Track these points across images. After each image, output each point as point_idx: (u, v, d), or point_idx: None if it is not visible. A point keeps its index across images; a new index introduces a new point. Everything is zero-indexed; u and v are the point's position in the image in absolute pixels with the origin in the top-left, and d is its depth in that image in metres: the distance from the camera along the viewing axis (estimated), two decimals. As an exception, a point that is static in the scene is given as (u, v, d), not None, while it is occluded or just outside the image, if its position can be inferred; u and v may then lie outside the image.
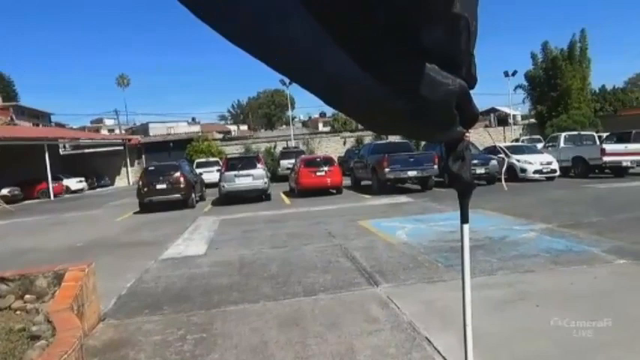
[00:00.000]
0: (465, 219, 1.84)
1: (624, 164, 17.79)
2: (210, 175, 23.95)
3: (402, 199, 14.99)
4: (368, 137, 37.66)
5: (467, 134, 1.62)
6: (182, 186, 16.29)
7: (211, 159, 29.57)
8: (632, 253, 6.45)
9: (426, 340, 4.08)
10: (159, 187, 16.22)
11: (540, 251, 6.93)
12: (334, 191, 17.98)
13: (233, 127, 76.16)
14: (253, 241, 9.38)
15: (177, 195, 16.21)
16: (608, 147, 18.15)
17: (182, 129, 53.20)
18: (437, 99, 1.33)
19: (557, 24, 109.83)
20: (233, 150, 34.41)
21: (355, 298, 5.41)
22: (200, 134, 40.40)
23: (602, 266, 6.01)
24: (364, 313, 4.85)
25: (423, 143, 25.43)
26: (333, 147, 37.09)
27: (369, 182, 18.32)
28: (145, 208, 16.24)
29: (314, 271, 6.64)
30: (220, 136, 47.39)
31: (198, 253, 8.62)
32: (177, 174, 16.49)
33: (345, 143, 38.14)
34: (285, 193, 19.50)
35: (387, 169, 16.34)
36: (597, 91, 50.49)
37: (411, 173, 16.54)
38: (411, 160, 16.80)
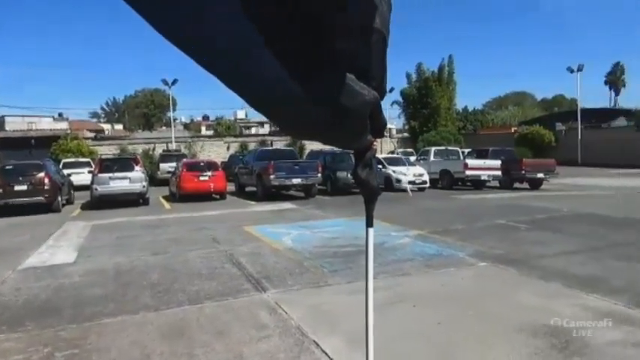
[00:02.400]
0: (370, 223, 1.93)
1: (483, 178, 19.94)
2: (80, 177, 21.97)
3: (287, 205, 15.17)
4: (252, 143, 37.57)
5: (375, 143, 1.71)
6: (46, 188, 14.68)
7: (81, 159, 27.10)
8: (490, 256, 7.25)
9: (314, 343, 4.17)
10: (18, 188, 14.45)
11: (415, 255, 7.49)
12: (218, 197, 17.60)
13: (107, 126, 70.75)
14: (131, 247, 8.80)
15: (40, 197, 14.58)
16: (470, 162, 20.22)
17: (46, 125, 47.98)
18: (355, 108, 1.39)
19: (431, 47, 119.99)
20: (106, 150, 31.97)
21: (243, 304, 5.34)
22: (69, 132, 36.87)
23: (467, 269, 6.68)
24: (252, 320, 4.81)
25: (307, 152, 26.06)
26: (217, 151, 36.32)
27: (254, 188, 18.26)
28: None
29: (199, 279, 6.42)
30: (92, 134, 43.78)
31: (66, 261, 7.85)
32: (41, 174, 14.85)
33: (228, 148, 37.58)
34: (164, 197, 18.61)
35: (272, 176, 16.43)
36: (461, 111, 56.02)
37: (296, 181, 16.82)
38: (296, 167, 17.09)
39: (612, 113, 50.95)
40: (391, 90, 45.71)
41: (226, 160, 29.60)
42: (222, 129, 53.33)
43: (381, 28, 1.35)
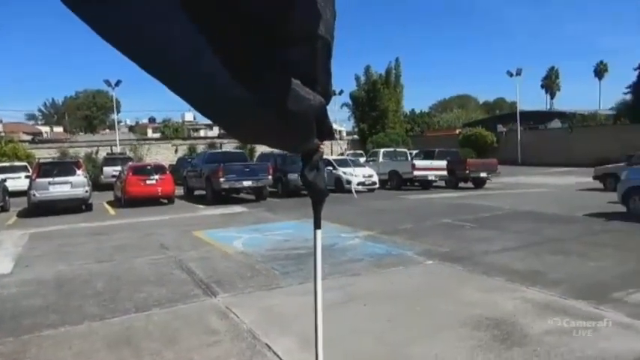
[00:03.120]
0: (317, 225, 1.97)
1: (430, 178, 20.53)
2: (17, 183, 20.75)
3: (237, 209, 15.01)
4: (201, 146, 36.91)
5: (321, 146, 1.75)
6: (-23, 194, 13.82)
7: (17, 163, 25.63)
8: (437, 254, 7.49)
9: (266, 346, 4.17)
10: (-56, 195, 13.52)
11: (365, 256, 7.62)
12: (166, 201, 17.16)
13: (45, 129, 67.35)
14: (73, 255, 8.43)
15: (-29, 205, 13.71)
16: (418, 163, 20.78)
17: (-23, 127, 45.22)
18: (300, 112, 1.42)
19: (379, 49, 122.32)
20: (45, 154, 30.37)
21: (193, 310, 5.25)
22: (3, 134, 34.82)
23: (415, 267, 6.87)
24: (203, 325, 4.75)
25: (257, 154, 25.89)
26: (164, 155, 35.39)
27: (203, 192, 17.95)
28: None
29: (146, 286, 6.25)
30: (29, 137, 41.54)
31: (1, 272, 7.42)
32: (-28, 180, 13.96)
33: (176, 151, 36.74)
34: (109, 203, 17.94)
35: (222, 179, 16.20)
36: (408, 113, 57.45)
37: (246, 183, 16.68)
38: (247, 170, 16.94)
39: (548, 115, 53.87)
40: (340, 92, 46.37)
41: (174, 163, 28.93)
42: (170, 131, 51.98)
43: (325, 35, 1.39)
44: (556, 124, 47.08)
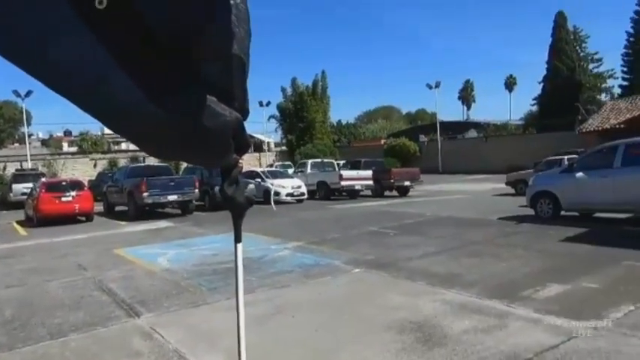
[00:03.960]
0: (238, 238, 1.98)
1: (357, 188, 21.04)
2: None
3: (162, 224, 14.51)
4: (123, 160, 35.33)
5: (240, 161, 1.78)
6: None
7: None
8: (364, 262, 7.69)
9: (193, 364, 4.07)
10: None
11: (294, 267, 7.66)
12: (84, 219, 16.23)
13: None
14: (-23, 281, 7.73)
15: None
16: (345, 173, 21.24)
17: None
18: (217, 129, 1.44)
19: (305, 62, 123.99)
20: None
21: (114, 333, 5.01)
22: None
23: (343, 276, 7.01)
24: (125, 348, 4.54)
25: (183, 167, 25.20)
26: (82, 170, 33.49)
27: (126, 208, 17.17)
28: None
29: (62, 310, 5.87)
30: None
31: None
32: None
33: (95, 166, 34.92)
34: (19, 222, 16.67)
35: (145, 194, 15.61)
36: (335, 124, 58.54)
37: (172, 197, 16.18)
38: (171, 184, 16.45)
39: (465, 125, 57.19)
40: (268, 104, 46.42)
41: (94, 178, 27.46)
42: (88, 145, 49.14)
43: (239, 54, 1.43)
44: (472, 133, 50.08)
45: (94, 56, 1.12)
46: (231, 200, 1.83)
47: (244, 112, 1.64)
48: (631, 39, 45.26)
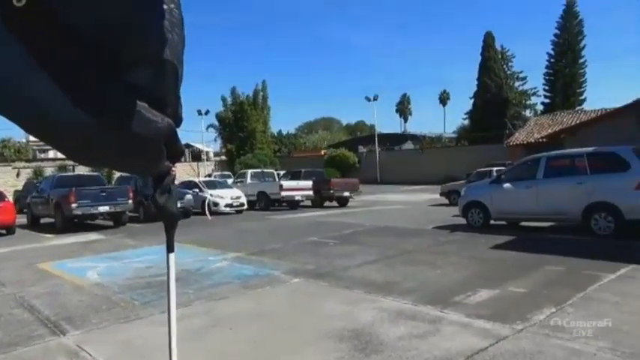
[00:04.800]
0: (170, 249, 1.93)
1: (297, 198, 21.05)
2: None
3: (93, 236, 13.80)
4: (50, 168, 33.39)
5: (173, 169, 1.74)
6: None
7: None
8: (303, 272, 7.70)
9: (124, 382, 3.89)
10: None
11: (232, 278, 7.52)
12: (4, 232, 15.12)
13: None
14: None
15: None
16: (285, 183, 21.21)
17: None
18: (147, 135, 1.40)
19: (246, 71, 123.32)
20: None
21: (36, 353, 4.68)
22: None
23: (282, 286, 6.97)
24: (49, 368, 4.26)
25: (116, 176, 24.18)
26: (3, 179, 31.25)
27: (53, 220, 16.19)
28: None
29: (-23, 330, 5.42)
30: None
31: None
32: None
33: (18, 175, 32.72)
34: None
35: (74, 205, 14.79)
36: (276, 134, 58.49)
37: (103, 209, 15.43)
38: (103, 194, 15.69)
39: (402, 137, 59.00)
40: (206, 113, 45.66)
41: (20, 189, 25.70)
42: (10, 152, 45.94)
43: (171, 59, 1.40)
44: (409, 145, 51.77)
45: (13, 57, 1.06)
46: (163, 209, 1.78)
47: (177, 119, 1.61)
48: (552, 60, 48.76)
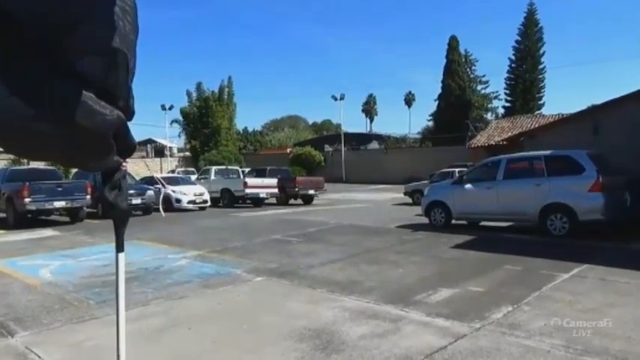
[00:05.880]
0: (120, 248, 1.84)
1: (261, 195, 20.89)
2: None
3: (48, 232, 13.27)
4: (2, 161, 31.93)
5: (124, 164, 1.65)
6: None
7: None
8: (265, 271, 7.62)
9: (75, 386, 3.73)
10: None
11: (192, 277, 7.37)
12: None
13: None
14: None
15: None
16: (250, 181, 21.00)
17: None
18: (93, 127, 1.32)
19: (212, 67, 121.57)
20: None
21: (-20, 356, 4.44)
22: None
23: (243, 285, 6.87)
24: (-7, 372, 4.04)
25: (73, 171, 23.34)
26: (-49, 172, 29.63)
27: (4, 215, 15.46)
28: None
29: None
30: None
31: None
32: None
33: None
34: None
35: (27, 200, 14.17)
36: (241, 131, 57.90)
37: (59, 204, 14.86)
38: (59, 189, 15.10)
39: (368, 137, 59.49)
40: (171, 108, 44.72)
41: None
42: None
43: (121, 48, 1.33)
44: (374, 145, 52.23)
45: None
46: (113, 206, 1.69)
47: (129, 112, 1.53)
48: (513, 65, 50.21)
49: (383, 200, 22.99)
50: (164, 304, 5.91)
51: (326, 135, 64.81)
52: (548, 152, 10.93)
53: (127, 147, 1.56)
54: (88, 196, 15.48)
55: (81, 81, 1.26)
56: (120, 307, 1.81)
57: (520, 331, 4.63)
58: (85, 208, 15.82)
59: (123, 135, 1.50)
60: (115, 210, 1.73)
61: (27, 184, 14.38)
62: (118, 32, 1.30)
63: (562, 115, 24.25)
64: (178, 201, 18.84)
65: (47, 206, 14.69)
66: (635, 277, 6.66)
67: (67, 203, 15.03)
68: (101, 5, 1.25)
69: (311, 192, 21.70)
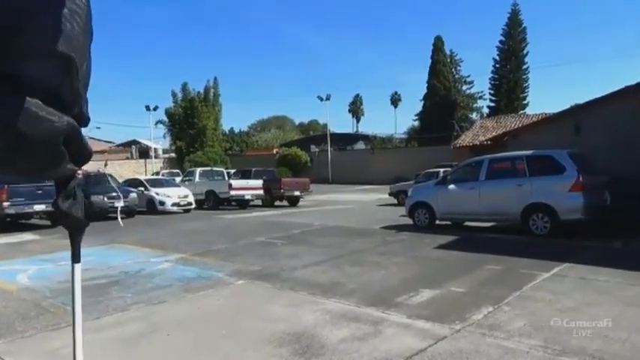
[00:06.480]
0: (76, 259, 1.78)
1: (247, 197, 20.77)
2: None
3: (27, 237, 13.04)
4: (-17, 164, 31.36)
5: (79, 172, 1.59)
6: None
7: None
8: (248, 273, 7.56)
9: (47, 396, 3.64)
10: None
11: (174, 281, 7.28)
12: None
13: None
14: None
15: None
16: (234, 182, 20.88)
17: None
18: (39, 135, 1.26)
19: (197, 67, 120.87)
20: None
21: (-50, 366, 4.32)
22: None
23: (225, 288, 6.80)
24: (-37, 383, 3.93)
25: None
26: None
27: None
28: None
29: None
30: None
31: None
32: None
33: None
34: None
35: (6, 203, 13.93)
36: (227, 132, 57.58)
37: (39, 207, 14.60)
38: (39, 192, 14.81)
39: (354, 137, 59.56)
40: (155, 108, 44.31)
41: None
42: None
43: (67, 52, 1.27)
44: (361, 145, 52.31)
45: None
46: (68, 216, 1.63)
47: (83, 119, 1.47)
48: (497, 65, 50.70)
49: (369, 201, 23.03)
50: (143, 309, 5.82)
51: (312, 135, 64.76)
52: (529, 152, 11.03)
53: (82, 154, 1.51)
54: (70, 199, 15.22)
55: (23, 86, 1.21)
56: (76, 321, 1.75)
57: (500, 331, 4.64)
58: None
59: (76, 142, 1.45)
60: (70, 219, 1.67)
61: (5, 187, 14.11)
62: (65, 35, 1.25)
63: (545, 114, 24.54)
64: (162, 204, 18.65)
65: (27, 210, 14.44)
66: (615, 276, 6.73)
67: (47, 207, 14.74)
68: (44, 5, 1.20)
69: (297, 193, 21.64)
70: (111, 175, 20.25)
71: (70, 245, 1.77)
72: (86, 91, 1.49)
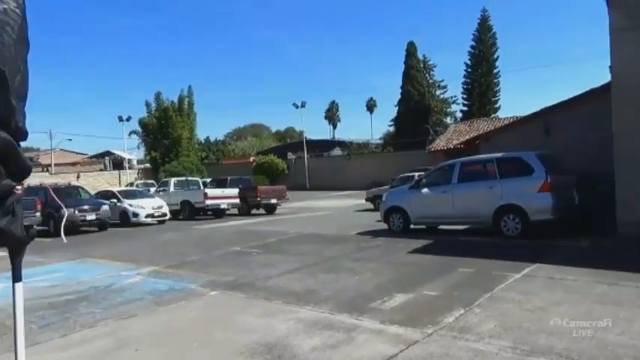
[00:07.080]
0: (17, 277, 1.72)
1: (222, 206, 20.59)
2: None
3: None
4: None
5: (17, 188, 1.54)
6: None
7: None
8: (221, 284, 7.47)
9: (7, 419, 3.50)
10: None
11: (145, 294, 7.13)
12: None
13: None
14: None
15: None
16: (210, 192, 20.68)
17: None
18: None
19: (171, 77, 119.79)
20: None
21: None
22: None
23: (197, 300, 6.70)
24: None
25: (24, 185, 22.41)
26: None
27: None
28: None
29: None
30: None
31: None
32: None
33: None
34: None
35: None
36: (203, 141, 57.08)
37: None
38: (7, 207, 14.40)
39: (331, 144, 59.74)
40: (129, 119, 43.65)
41: None
42: None
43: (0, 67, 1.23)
44: (337, 151, 52.48)
45: None
46: (6, 234, 1.57)
47: (19, 133, 1.43)
48: (469, 70, 51.62)
49: (345, 207, 23.07)
50: (112, 325, 5.68)
51: (289, 142, 64.71)
52: (499, 154, 11.23)
53: (20, 169, 1.46)
54: (38, 214, 14.87)
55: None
56: (19, 344, 1.69)
57: (470, 334, 4.67)
58: (35, 227, 15.12)
59: (14, 158, 1.40)
60: (9, 237, 1.62)
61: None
62: (-7, 49, 1.21)
63: (516, 117, 25.04)
64: (135, 215, 18.33)
65: (-7, 225, 13.97)
66: (582, 275, 6.88)
67: (15, 222, 14.33)
68: None
69: (273, 201, 21.56)
70: (82, 188, 19.85)
71: (11, 264, 1.71)
72: (24, 105, 1.45)
